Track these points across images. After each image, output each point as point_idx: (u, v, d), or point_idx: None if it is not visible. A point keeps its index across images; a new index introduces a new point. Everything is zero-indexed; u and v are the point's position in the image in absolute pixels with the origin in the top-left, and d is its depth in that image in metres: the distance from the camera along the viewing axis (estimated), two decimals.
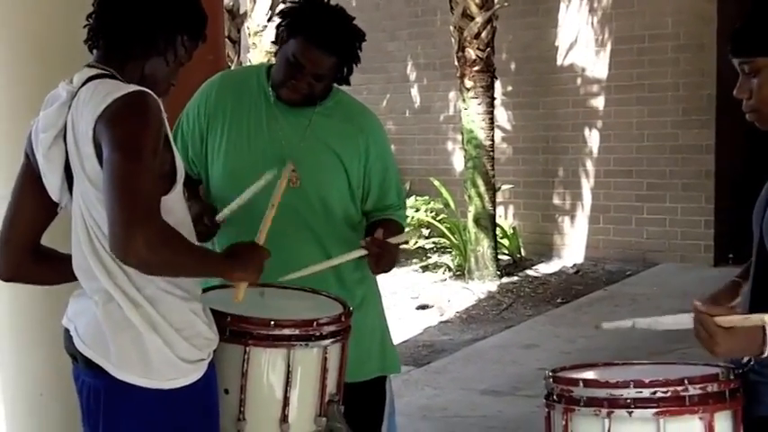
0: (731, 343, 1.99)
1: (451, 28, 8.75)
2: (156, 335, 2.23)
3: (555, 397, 2.14)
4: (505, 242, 9.13)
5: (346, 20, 2.95)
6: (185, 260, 2.20)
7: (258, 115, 2.98)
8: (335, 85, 3.04)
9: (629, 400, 2.04)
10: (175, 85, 2.39)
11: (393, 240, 2.90)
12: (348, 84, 2.98)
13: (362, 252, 2.85)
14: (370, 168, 3.02)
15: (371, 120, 3.13)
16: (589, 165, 9.24)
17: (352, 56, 2.94)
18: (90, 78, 2.26)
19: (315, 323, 2.47)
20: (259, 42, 10.77)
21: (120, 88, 2.20)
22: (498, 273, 8.54)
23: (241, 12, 11.30)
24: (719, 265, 8.33)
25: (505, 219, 9.50)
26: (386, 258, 2.87)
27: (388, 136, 3.22)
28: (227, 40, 9.83)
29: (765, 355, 1.99)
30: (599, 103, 9.15)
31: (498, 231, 8.85)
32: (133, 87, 2.21)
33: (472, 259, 8.54)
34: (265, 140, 2.96)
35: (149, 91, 2.22)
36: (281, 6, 3.07)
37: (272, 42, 3.05)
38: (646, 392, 2.04)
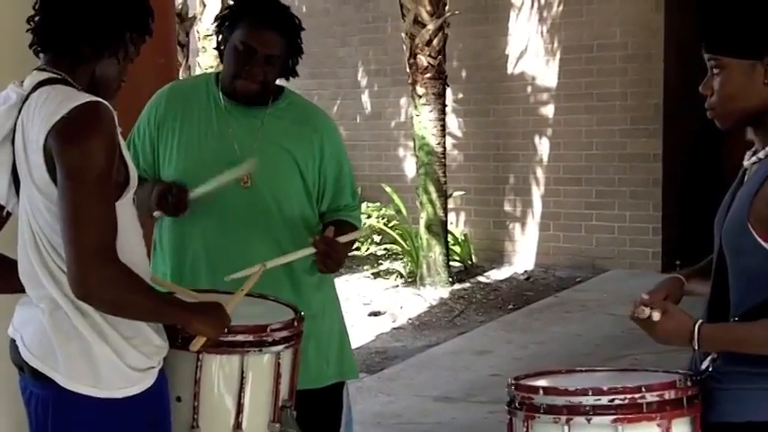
0: (663, 333, 2.11)
1: (403, 35, 8.75)
2: (104, 344, 2.19)
3: (516, 404, 2.15)
4: (457, 249, 9.15)
5: (285, 6, 3.00)
6: (142, 301, 2.18)
7: (209, 120, 2.98)
8: (286, 86, 3.05)
9: (587, 408, 2.05)
10: (125, 82, 2.35)
11: (344, 239, 2.91)
12: (296, 75, 3.01)
13: (311, 250, 2.84)
14: (325, 168, 3.02)
15: (325, 119, 3.14)
16: (539, 172, 9.30)
17: (298, 39, 2.97)
18: (41, 83, 2.21)
19: (268, 329, 2.46)
20: (209, 46, 10.70)
21: (74, 98, 2.15)
22: (450, 279, 8.55)
23: (190, 15, 11.22)
24: (667, 271, 8.41)
25: (456, 226, 9.52)
26: (332, 258, 2.87)
27: (341, 136, 3.21)
28: None
29: (696, 347, 2.10)
30: (548, 111, 9.22)
31: (449, 238, 8.87)
32: (86, 98, 2.16)
33: (424, 266, 8.55)
34: (217, 144, 2.95)
35: (102, 101, 2.17)
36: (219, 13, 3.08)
37: (215, 48, 3.06)
38: (604, 400, 2.05)
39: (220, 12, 3.05)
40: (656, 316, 2.10)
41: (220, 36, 2.98)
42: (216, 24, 3.00)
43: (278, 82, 3.02)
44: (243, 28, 2.89)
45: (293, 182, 2.98)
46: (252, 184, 2.93)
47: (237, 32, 2.90)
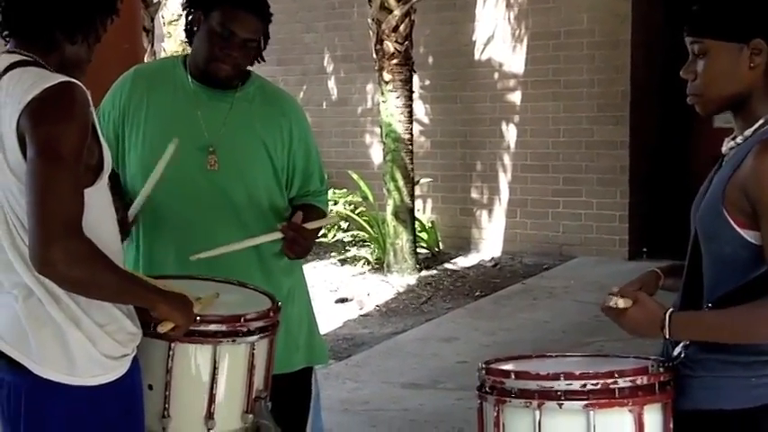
0: (633, 323, 2.10)
1: (369, 20, 8.71)
2: (78, 330, 2.18)
3: (487, 388, 2.14)
4: (424, 236, 9.15)
5: None
6: (107, 280, 2.13)
7: (176, 104, 2.96)
8: (253, 71, 3.04)
9: (559, 392, 2.05)
10: (91, 61, 2.34)
11: (312, 225, 2.90)
12: (263, 60, 3.00)
13: (278, 235, 2.83)
14: (294, 152, 3.02)
15: (292, 103, 3.15)
16: (506, 159, 9.31)
17: (268, 23, 2.97)
18: (12, 65, 2.19)
19: (242, 319, 2.44)
20: (174, 31, 10.62)
21: (47, 78, 2.13)
22: (417, 266, 8.55)
23: (155, 1, 11.10)
24: (634, 258, 8.47)
25: (423, 212, 9.52)
26: (300, 244, 2.86)
27: (309, 120, 3.20)
28: None
29: (668, 336, 2.08)
30: (516, 98, 9.23)
31: (417, 225, 8.86)
32: (59, 78, 2.14)
33: (391, 253, 8.54)
34: (184, 128, 2.93)
35: (77, 82, 2.16)
36: None
37: (185, 30, 3.03)
38: (576, 385, 2.05)
39: None
40: (622, 303, 2.09)
41: (190, 18, 2.95)
42: (186, 6, 2.97)
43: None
44: (222, 11, 2.88)
45: (262, 165, 2.97)
46: (219, 167, 2.91)
47: (216, 15, 2.88)
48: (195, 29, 2.94)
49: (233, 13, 2.87)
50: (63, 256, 2.03)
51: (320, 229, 3.18)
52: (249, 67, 3.02)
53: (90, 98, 2.17)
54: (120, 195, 2.92)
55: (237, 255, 2.86)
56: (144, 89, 2.97)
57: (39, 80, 2.12)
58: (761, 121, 2.11)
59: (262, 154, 2.96)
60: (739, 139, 2.13)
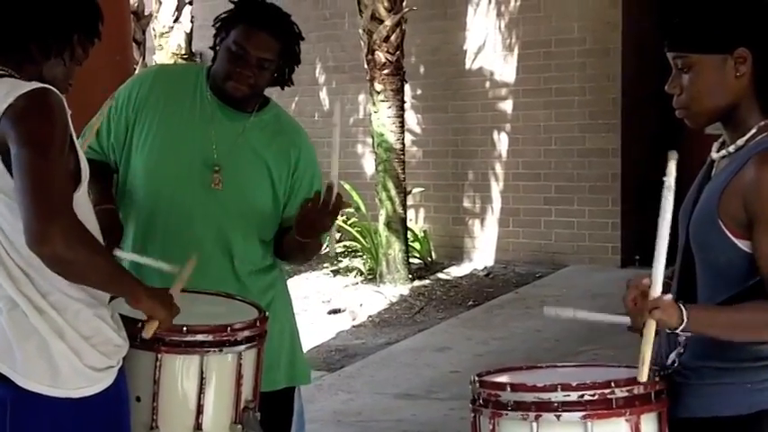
0: (669, 306, 1.99)
1: (360, 31, 8.72)
2: (62, 342, 2.16)
3: (481, 401, 2.11)
4: (416, 245, 9.14)
5: (284, 13, 2.96)
6: (101, 263, 2.12)
7: (192, 115, 2.93)
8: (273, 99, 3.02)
9: (556, 404, 2.02)
10: (73, 85, 2.34)
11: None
12: (291, 84, 2.97)
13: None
14: (297, 177, 3.00)
15: (305, 138, 3.12)
16: (498, 168, 9.30)
17: (293, 48, 2.93)
18: None
19: (229, 329, 2.43)
20: (165, 44, 10.58)
21: (21, 86, 2.14)
22: (410, 276, 8.53)
23: (146, 13, 11.08)
24: (626, 266, 8.45)
25: (416, 222, 9.50)
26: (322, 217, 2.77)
27: (317, 160, 3.16)
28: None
29: (679, 329, 1.99)
30: (507, 106, 9.22)
31: (409, 235, 8.85)
32: (36, 84, 2.15)
33: (384, 263, 8.52)
34: (195, 141, 2.91)
35: (53, 88, 2.17)
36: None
37: (210, 48, 3.01)
38: (573, 396, 2.02)
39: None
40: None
41: (218, 28, 2.94)
42: (215, 25, 2.97)
43: (270, 90, 2.97)
44: (238, 30, 2.87)
45: (262, 192, 2.95)
46: (223, 186, 2.89)
47: (233, 33, 2.87)
48: (217, 48, 2.93)
49: (248, 31, 2.85)
50: (62, 232, 2.01)
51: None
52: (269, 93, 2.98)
53: (66, 104, 2.18)
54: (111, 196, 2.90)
55: (212, 272, 2.81)
56: (162, 92, 2.94)
57: (13, 89, 2.13)
58: (753, 131, 2.09)
59: (265, 181, 2.94)
60: (731, 148, 2.12)
